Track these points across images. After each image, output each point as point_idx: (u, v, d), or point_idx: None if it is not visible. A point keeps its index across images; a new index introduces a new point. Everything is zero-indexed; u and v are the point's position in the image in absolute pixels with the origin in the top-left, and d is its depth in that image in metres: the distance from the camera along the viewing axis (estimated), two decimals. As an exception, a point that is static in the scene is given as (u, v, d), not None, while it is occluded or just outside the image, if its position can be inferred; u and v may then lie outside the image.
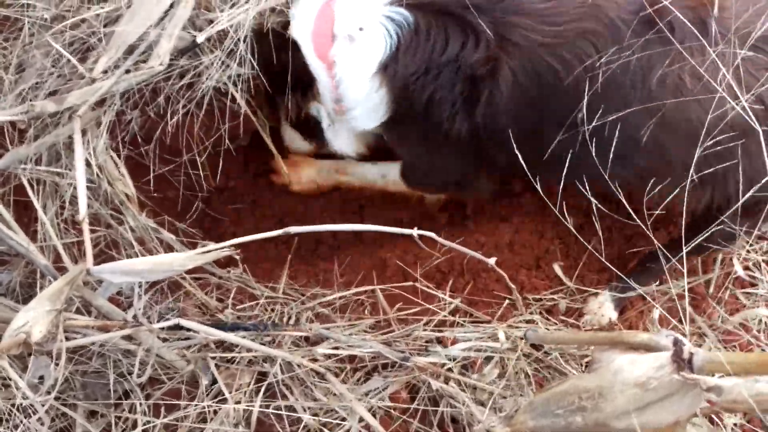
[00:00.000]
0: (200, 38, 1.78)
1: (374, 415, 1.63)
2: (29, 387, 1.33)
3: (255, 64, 1.85)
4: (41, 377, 1.55)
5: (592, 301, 2.20)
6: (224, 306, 1.84)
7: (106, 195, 1.80)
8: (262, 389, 1.62)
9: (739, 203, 1.39)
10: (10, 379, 1.30)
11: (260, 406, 1.59)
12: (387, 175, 2.22)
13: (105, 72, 1.59)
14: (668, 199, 1.51)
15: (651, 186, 1.55)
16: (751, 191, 1.31)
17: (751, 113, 1.31)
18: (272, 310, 1.87)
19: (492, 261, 1.62)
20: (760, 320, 2.25)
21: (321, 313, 1.91)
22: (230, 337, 1.58)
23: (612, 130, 1.50)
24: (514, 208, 2.36)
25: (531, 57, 1.58)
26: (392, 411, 1.68)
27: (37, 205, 1.61)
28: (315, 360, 1.68)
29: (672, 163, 1.68)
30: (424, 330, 1.85)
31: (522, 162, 1.52)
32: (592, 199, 1.59)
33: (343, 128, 1.96)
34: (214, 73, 1.88)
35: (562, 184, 1.53)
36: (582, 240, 1.72)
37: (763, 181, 1.31)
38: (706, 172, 1.50)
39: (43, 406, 1.33)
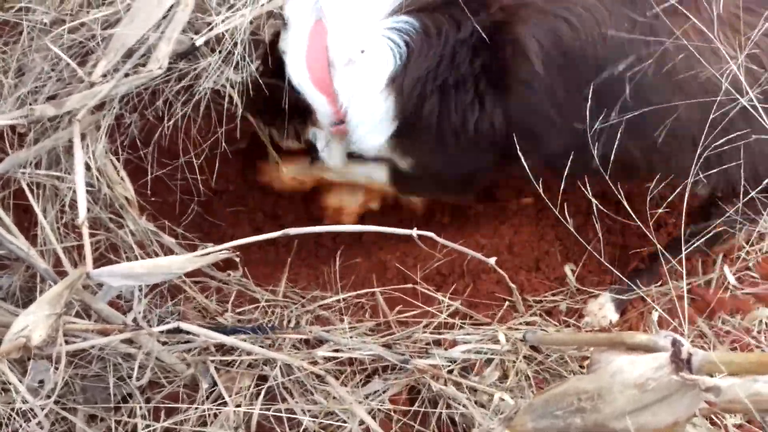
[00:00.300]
0: (199, 41, 1.78)
1: (374, 418, 1.63)
2: (29, 391, 1.33)
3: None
4: (41, 381, 1.55)
5: (592, 302, 2.19)
6: (224, 309, 1.84)
7: (106, 199, 1.80)
8: (262, 392, 1.62)
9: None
10: (10, 384, 1.30)
11: (260, 410, 1.58)
12: (371, 176, 2.15)
13: (104, 76, 1.59)
14: (674, 190, 1.47)
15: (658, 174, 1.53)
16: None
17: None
18: (272, 313, 1.87)
19: (492, 261, 1.62)
20: (761, 321, 2.25)
21: (321, 316, 1.91)
22: (230, 340, 1.58)
23: (633, 96, 1.46)
24: (514, 210, 2.36)
25: (545, 17, 1.52)
26: (392, 413, 1.68)
27: (37, 209, 1.61)
28: (315, 363, 1.68)
29: (684, 132, 1.59)
30: (424, 332, 1.85)
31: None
32: (593, 200, 1.59)
33: (338, 147, 1.93)
34: (212, 76, 1.88)
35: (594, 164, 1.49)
36: (582, 240, 1.72)
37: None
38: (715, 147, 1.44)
39: (42, 410, 1.33)
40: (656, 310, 1.71)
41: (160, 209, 2.02)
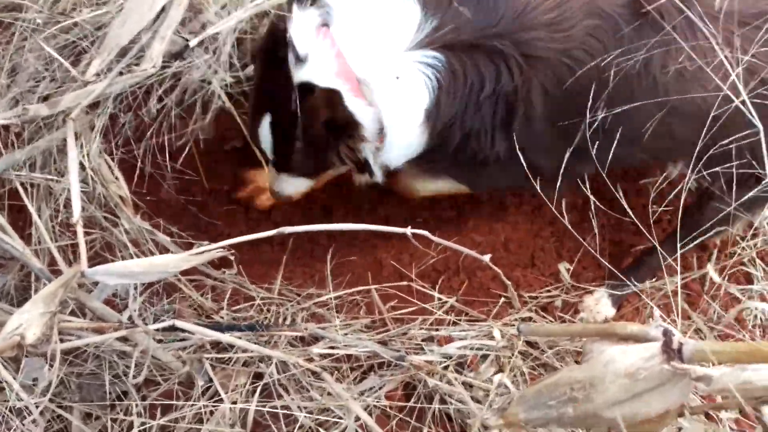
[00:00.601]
0: (193, 42, 1.78)
1: (370, 414, 1.64)
2: (23, 389, 1.33)
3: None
4: (35, 379, 1.55)
5: (588, 298, 2.20)
6: (219, 307, 1.84)
7: (101, 198, 1.80)
8: (258, 389, 1.62)
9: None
10: (4, 382, 1.30)
11: (256, 406, 1.59)
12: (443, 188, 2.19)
13: (98, 75, 1.59)
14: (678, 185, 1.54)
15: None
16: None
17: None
18: (268, 310, 1.88)
19: (487, 258, 1.63)
20: (756, 316, 2.26)
21: (316, 314, 1.91)
22: (226, 337, 1.58)
23: (627, 118, 1.54)
24: (509, 207, 2.37)
25: (553, 66, 1.61)
26: (388, 409, 1.68)
27: (31, 208, 1.61)
28: (311, 360, 1.68)
29: (680, 144, 1.70)
30: (420, 329, 1.85)
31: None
32: (591, 197, 1.61)
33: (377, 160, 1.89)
34: (207, 76, 1.89)
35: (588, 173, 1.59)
36: (577, 236, 1.73)
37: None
38: (712, 151, 1.51)
39: (37, 407, 1.33)
40: (650, 305, 1.71)
41: (154, 208, 2.02)
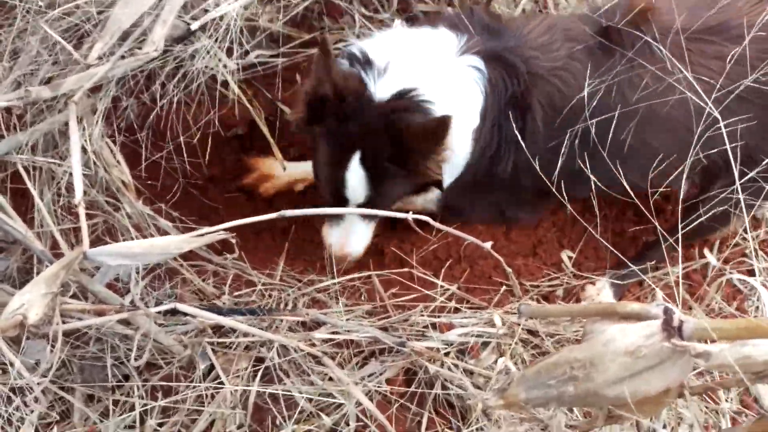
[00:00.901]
0: (195, 26, 1.78)
1: (371, 399, 1.64)
2: (26, 370, 1.34)
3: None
4: (38, 362, 1.56)
5: (590, 287, 2.20)
6: (221, 292, 1.84)
7: (103, 182, 1.80)
8: (259, 373, 1.63)
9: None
10: (7, 364, 1.30)
11: (257, 390, 1.59)
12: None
13: (100, 58, 1.59)
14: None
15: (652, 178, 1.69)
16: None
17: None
18: (269, 296, 1.88)
19: (488, 245, 1.63)
20: (757, 307, 2.26)
21: (318, 299, 1.91)
22: (227, 320, 1.58)
23: (613, 138, 1.67)
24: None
25: (546, 83, 1.76)
26: (389, 395, 1.68)
27: (34, 191, 1.62)
28: (313, 344, 1.68)
29: (663, 154, 1.75)
30: (421, 316, 1.85)
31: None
32: (592, 195, 1.63)
33: None
34: (210, 61, 1.88)
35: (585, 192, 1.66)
36: (584, 222, 1.73)
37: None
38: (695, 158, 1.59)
39: (39, 385, 1.33)
40: (652, 285, 1.71)
41: (157, 194, 2.02)
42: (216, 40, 1.86)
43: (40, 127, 1.63)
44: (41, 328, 1.32)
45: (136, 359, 1.55)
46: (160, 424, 1.58)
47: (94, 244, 1.68)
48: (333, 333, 1.72)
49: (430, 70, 1.69)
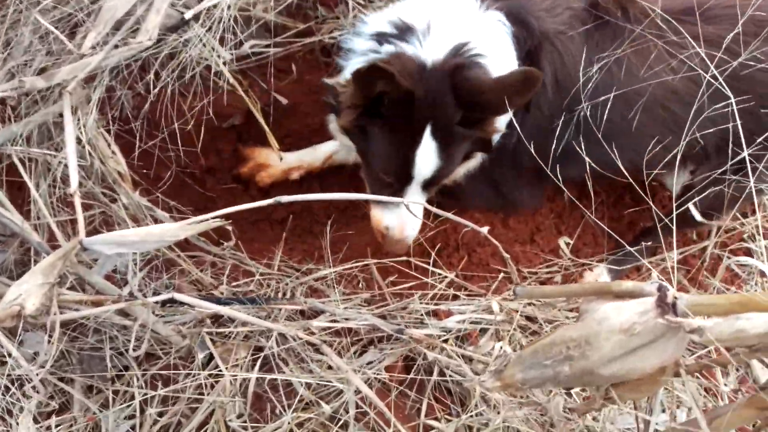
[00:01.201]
0: (188, 15, 1.77)
1: (371, 387, 1.64)
2: (24, 360, 1.34)
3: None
4: (36, 354, 1.56)
5: (588, 273, 2.21)
6: (219, 282, 1.84)
7: (99, 174, 1.80)
8: (258, 362, 1.63)
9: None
10: (5, 351, 1.30)
11: (257, 379, 1.59)
12: None
13: (93, 48, 1.58)
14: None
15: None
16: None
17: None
18: (267, 285, 1.88)
19: (485, 230, 1.62)
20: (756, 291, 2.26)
21: (316, 288, 1.91)
22: (226, 310, 1.58)
23: (607, 116, 1.67)
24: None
25: (553, 49, 1.78)
26: (389, 382, 1.69)
27: (30, 183, 1.61)
28: (311, 333, 1.68)
29: (658, 133, 1.78)
30: (420, 303, 1.85)
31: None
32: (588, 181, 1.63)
33: None
34: (204, 51, 1.88)
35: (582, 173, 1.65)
36: (582, 208, 1.72)
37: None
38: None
39: (37, 375, 1.33)
40: (648, 266, 1.71)
41: (153, 185, 2.01)
42: (209, 29, 1.85)
43: (34, 118, 1.62)
44: (39, 318, 1.31)
45: (134, 350, 1.55)
46: (161, 414, 1.58)
47: (91, 235, 1.68)
48: (331, 321, 1.72)
49: (468, 24, 1.70)
